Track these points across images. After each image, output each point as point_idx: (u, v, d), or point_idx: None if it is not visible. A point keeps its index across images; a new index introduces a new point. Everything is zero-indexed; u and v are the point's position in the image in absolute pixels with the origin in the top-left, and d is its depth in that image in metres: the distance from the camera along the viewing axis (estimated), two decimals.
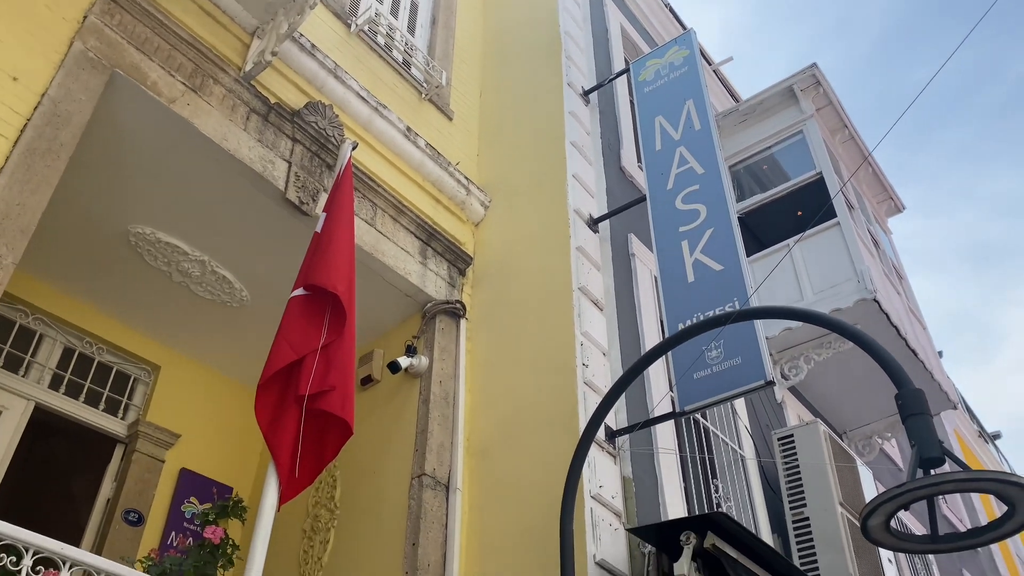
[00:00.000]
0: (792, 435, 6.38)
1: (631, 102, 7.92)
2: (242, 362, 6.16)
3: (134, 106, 4.44)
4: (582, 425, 4.77)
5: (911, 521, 8.88)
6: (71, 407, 5.34)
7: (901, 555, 7.83)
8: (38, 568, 3.07)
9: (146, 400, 5.73)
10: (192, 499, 5.56)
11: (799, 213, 9.08)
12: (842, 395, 8.27)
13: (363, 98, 5.83)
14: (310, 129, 5.25)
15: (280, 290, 5.62)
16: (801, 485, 6.10)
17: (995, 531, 2.86)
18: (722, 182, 5.58)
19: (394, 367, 5.27)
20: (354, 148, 4.91)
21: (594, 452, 4.76)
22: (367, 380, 5.70)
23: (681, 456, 5.48)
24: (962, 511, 12.08)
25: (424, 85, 6.79)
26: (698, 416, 6.07)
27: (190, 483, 5.60)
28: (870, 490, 6.52)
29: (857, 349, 7.67)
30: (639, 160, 7.36)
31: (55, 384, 5.35)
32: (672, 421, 5.57)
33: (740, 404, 6.72)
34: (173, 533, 5.35)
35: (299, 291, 3.97)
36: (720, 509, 5.65)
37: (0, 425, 4.93)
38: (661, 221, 5.66)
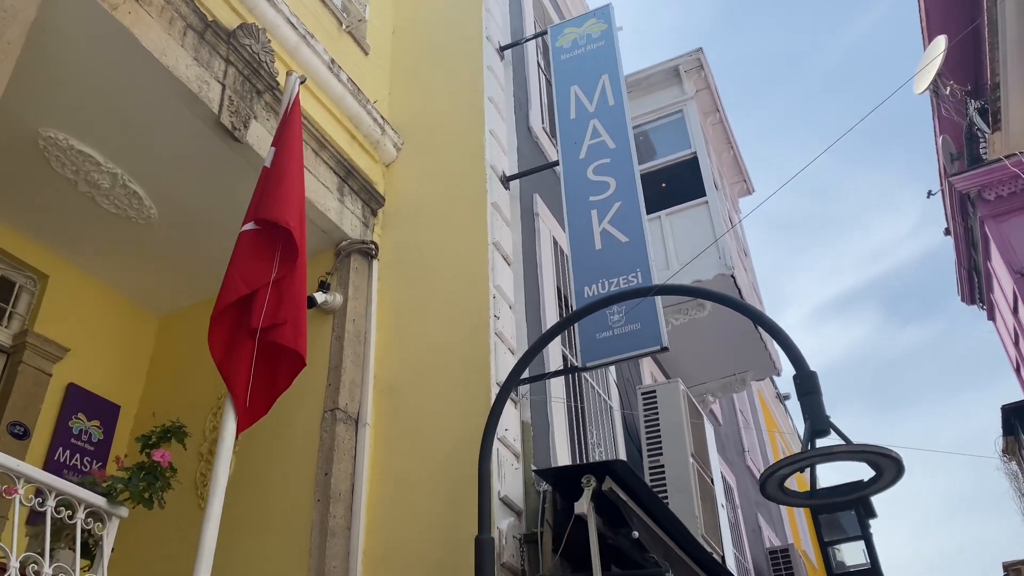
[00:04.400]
0: (655, 391, 7.10)
1: (538, 64, 8.19)
2: (137, 280, 5.97)
3: (74, 8, 4.18)
4: (492, 373, 5.15)
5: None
6: None
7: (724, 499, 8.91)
8: None
9: (32, 310, 5.46)
10: (80, 415, 5.41)
11: (663, 185, 9.78)
12: (687, 356, 9.16)
13: (292, 24, 5.72)
14: (244, 52, 5.12)
15: (192, 213, 5.52)
16: (659, 437, 6.84)
17: (862, 491, 3.54)
18: (632, 159, 6.03)
19: (309, 302, 5.35)
20: (302, 82, 4.87)
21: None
22: None
23: (568, 404, 5.99)
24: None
25: (345, 15, 6.70)
26: (594, 385, 6.62)
27: (78, 399, 5.43)
28: (712, 445, 7.40)
29: (707, 319, 8.55)
30: (542, 122, 7.69)
31: None
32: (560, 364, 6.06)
33: None
34: (60, 448, 5.21)
35: (250, 225, 4.00)
36: (596, 455, 6.26)
37: None
38: (573, 189, 6.04)
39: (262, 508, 5.00)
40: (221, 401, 5.51)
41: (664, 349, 5.13)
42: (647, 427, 6.95)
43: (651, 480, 6.64)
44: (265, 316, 3.68)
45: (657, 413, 6.97)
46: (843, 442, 3.42)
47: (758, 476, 12.81)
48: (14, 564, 2.91)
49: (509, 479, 4.86)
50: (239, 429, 3.68)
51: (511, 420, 5.15)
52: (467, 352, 5.30)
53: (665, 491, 6.53)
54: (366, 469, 5.03)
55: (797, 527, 14.96)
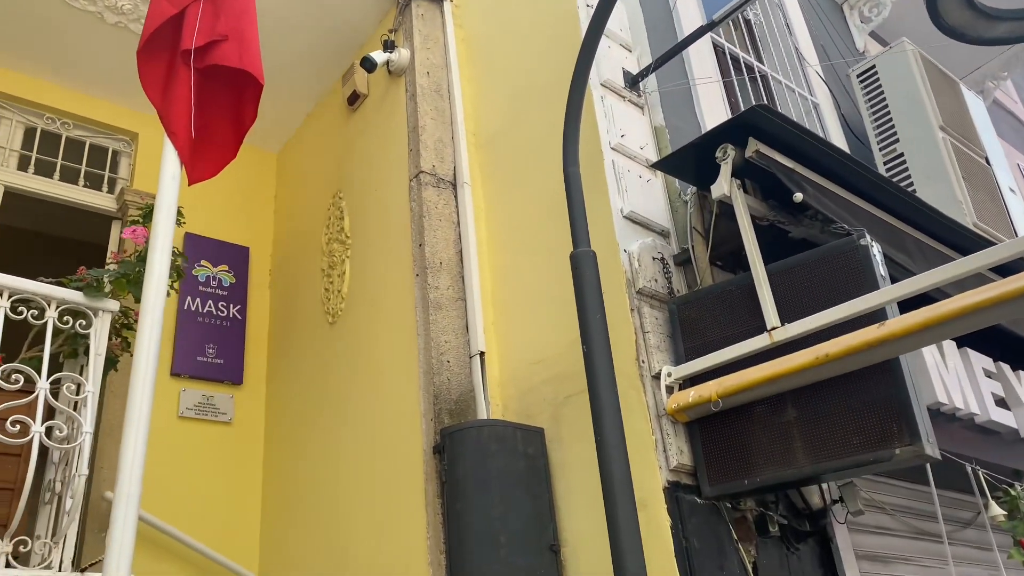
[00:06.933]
0: (874, 66, 5.27)
1: None
2: None
3: None
4: (595, 73, 3.91)
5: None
6: (49, 187, 4.91)
7: None
8: None
9: (131, 172, 5.24)
10: (204, 262, 5.15)
11: None
12: (940, 36, 6.89)
13: None
14: None
15: None
16: (890, 120, 5.08)
17: None
18: None
19: (368, 64, 4.47)
20: None
21: (611, 102, 3.91)
22: (354, 98, 4.96)
23: (730, 96, 4.53)
24: None
25: None
26: (754, 62, 5.04)
27: (199, 247, 5.17)
28: (979, 114, 5.41)
29: None
30: None
31: (24, 167, 4.90)
32: (715, 62, 4.59)
33: (808, 50, 5.60)
34: (189, 298, 4.99)
35: None
36: None
37: None
38: None
39: (370, 290, 4.39)
40: (331, 211, 4.93)
41: None
42: (873, 114, 5.19)
43: (889, 176, 4.95)
44: (199, 34, 2.85)
45: (882, 93, 5.16)
46: None
47: None
48: None
49: (635, 193, 3.66)
50: (196, 178, 2.93)
51: (632, 125, 3.90)
52: (565, 60, 4.08)
53: (910, 183, 4.82)
54: (473, 232, 4.12)
55: None
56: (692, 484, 3.11)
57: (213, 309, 5.03)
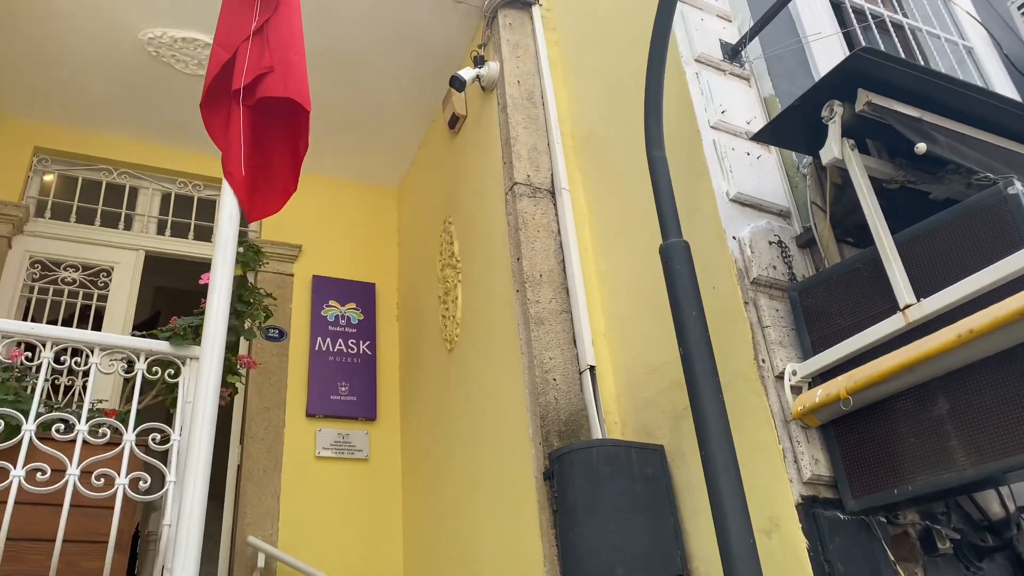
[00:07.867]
0: None
1: None
2: (339, 157, 5.62)
3: None
4: (687, 48, 3.58)
5: None
6: (184, 247, 5.18)
7: None
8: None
9: (260, 223, 5.42)
10: (332, 302, 5.23)
11: None
12: None
13: None
14: None
15: (340, 61, 4.92)
16: None
17: None
18: None
19: (457, 83, 4.37)
20: None
21: (708, 76, 3.55)
22: (454, 121, 4.87)
23: (850, 43, 3.99)
24: None
25: None
26: (882, 11, 4.44)
27: (325, 288, 5.26)
28: None
29: None
30: None
31: (162, 231, 5.21)
32: (831, 17, 4.08)
33: None
34: (319, 339, 5.07)
35: None
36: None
37: (117, 279, 4.86)
38: None
39: (479, 313, 4.26)
40: (443, 237, 4.87)
41: None
42: None
43: None
44: (248, 71, 2.83)
45: None
46: None
47: None
48: (28, 427, 2.53)
49: (743, 173, 3.27)
50: (256, 215, 2.88)
51: (734, 99, 3.51)
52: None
53: None
54: (574, 239, 3.86)
55: None
56: (832, 498, 2.65)
57: (344, 347, 5.09)
